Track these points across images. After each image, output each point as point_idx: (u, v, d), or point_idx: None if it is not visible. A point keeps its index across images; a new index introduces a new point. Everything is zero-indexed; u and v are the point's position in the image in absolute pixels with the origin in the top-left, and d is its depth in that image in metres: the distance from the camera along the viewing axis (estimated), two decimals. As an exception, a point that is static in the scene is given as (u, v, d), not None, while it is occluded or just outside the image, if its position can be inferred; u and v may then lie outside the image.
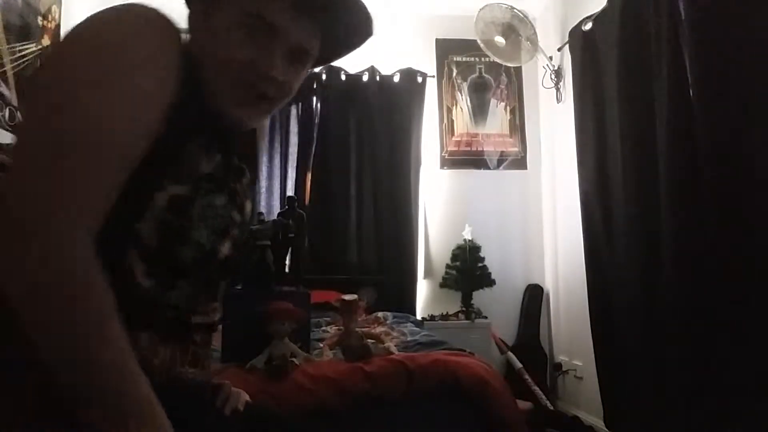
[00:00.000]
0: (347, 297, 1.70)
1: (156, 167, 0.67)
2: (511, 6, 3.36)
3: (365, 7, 0.79)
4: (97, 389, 0.58)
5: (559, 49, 3.40)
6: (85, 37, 0.65)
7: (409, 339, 2.10)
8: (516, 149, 3.89)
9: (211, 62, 0.72)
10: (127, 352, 0.60)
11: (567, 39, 3.14)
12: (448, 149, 3.86)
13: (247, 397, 0.89)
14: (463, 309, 3.46)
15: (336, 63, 3.55)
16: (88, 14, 0.67)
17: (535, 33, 3.45)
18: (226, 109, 0.74)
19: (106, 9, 0.67)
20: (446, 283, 3.55)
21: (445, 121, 3.87)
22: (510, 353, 3.37)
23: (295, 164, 3.63)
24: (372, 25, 0.82)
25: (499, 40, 3.44)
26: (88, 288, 0.58)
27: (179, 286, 0.72)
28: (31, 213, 0.57)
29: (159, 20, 0.68)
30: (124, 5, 0.67)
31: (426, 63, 3.83)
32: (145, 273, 0.68)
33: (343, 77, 3.72)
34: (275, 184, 3.62)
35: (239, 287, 1.78)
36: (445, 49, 3.91)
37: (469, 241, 3.51)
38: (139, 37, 0.65)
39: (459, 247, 3.53)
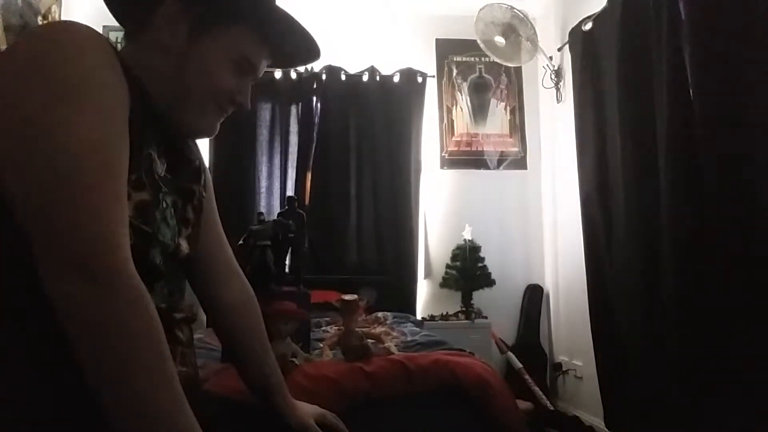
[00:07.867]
0: (347, 297, 1.69)
1: None
2: (511, 6, 3.36)
3: (312, 38, 0.90)
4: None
5: (559, 49, 3.40)
6: (46, 70, 0.64)
7: (409, 339, 2.10)
8: (516, 149, 3.89)
9: (193, 82, 0.80)
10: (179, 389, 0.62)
11: (567, 39, 3.14)
12: (448, 149, 3.86)
13: None
14: (463, 309, 3.46)
15: (336, 63, 3.65)
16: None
17: (535, 33, 3.45)
18: (191, 119, 0.82)
19: (47, 32, 0.70)
20: (446, 283, 3.55)
21: (445, 121, 3.87)
22: (510, 353, 3.37)
23: (295, 164, 3.63)
24: (316, 51, 0.94)
25: (499, 40, 3.44)
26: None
27: (157, 289, 0.76)
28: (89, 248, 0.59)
29: (99, 38, 0.71)
30: (63, 26, 0.70)
31: (426, 63, 3.83)
32: None
33: (343, 77, 3.71)
34: (275, 184, 3.62)
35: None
36: (445, 49, 3.91)
37: (469, 241, 3.51)
38: (91, 58, 0.67)
39: (459, 247, 3.53)
